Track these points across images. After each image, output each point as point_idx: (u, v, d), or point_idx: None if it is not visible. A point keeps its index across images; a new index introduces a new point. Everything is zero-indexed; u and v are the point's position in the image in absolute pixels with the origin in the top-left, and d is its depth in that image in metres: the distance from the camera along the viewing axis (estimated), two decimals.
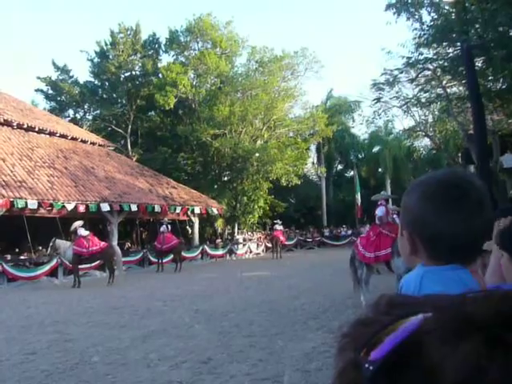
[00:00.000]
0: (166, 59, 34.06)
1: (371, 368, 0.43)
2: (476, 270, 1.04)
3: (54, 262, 16.13)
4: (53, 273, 16.28)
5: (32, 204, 15.88)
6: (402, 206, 1.08)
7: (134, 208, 19.65)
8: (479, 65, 12.14)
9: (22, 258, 17.33)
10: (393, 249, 8.19)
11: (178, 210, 22.52)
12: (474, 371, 0.38)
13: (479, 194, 1.00)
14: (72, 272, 15.21)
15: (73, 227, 15.47)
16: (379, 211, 9.25)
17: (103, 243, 15.62)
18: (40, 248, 18.97)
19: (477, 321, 0.40)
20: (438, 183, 1.03)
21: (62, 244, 15.38)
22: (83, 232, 15.24)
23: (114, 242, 18.96)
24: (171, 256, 19.69)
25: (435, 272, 1.01)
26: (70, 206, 17.15)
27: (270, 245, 26.51)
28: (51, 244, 15.53)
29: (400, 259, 8.17)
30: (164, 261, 19.41)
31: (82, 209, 17.53)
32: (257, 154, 28.11)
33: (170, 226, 20.17)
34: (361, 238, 9.77)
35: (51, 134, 23.03)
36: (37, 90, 34.54)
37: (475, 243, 1.02)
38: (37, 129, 22.21)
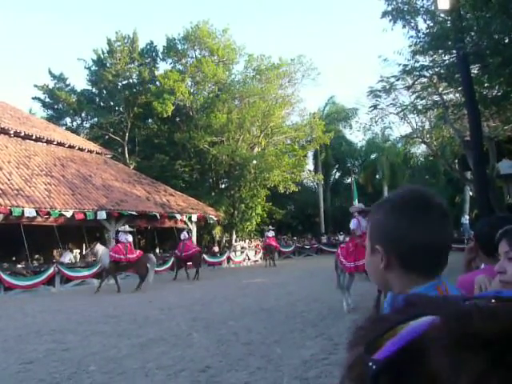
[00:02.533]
0: (163, 67, 34.15)
1: (374, 367, 0.44)
2: (446, 289, 1.03)
3: (51, 271, 16.10)
4: (50, 281, 16.22)
5: (29, 212, 15.85)
6: (370, 225, 1.10)
7: (133, 214, 19.70)
8: (475, 72, 12.21)
9: (19, 266, 17.24)
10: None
11: (178, 217, 22.52)
12: None
13: (441, 205, 1.04)
14: (104, 276, 15.46)
15: (120, 228, 16.01)
16: (352, 224, 9.80)
17: (139, 251, 15.97)
18: (37, 256, 18.92)
19: (482, 337, 0.40)
20: (403, 198, 1.06)
21: (101, 249, 15.61)
22: (123, 237, 15.58)
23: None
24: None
25: None
26: (67, 214, 17.12)
27: (264, 251, 26.19)
28: (91, 247, 15.95)
29: None
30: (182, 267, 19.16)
31: (79, 217, 17.51)
32: (254, 162, 28.13)
33: (190, 234, 20.07)
34: (341, 247, 10.12)
35: (48, 142, 23.02)
36: (34, 99, 34.61)
37: (443, 255, 1.04)
38: (34, 137, 22.19)
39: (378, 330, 0.46)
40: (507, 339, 0.39)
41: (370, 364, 0.44)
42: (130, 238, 15.80)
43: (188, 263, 19.17)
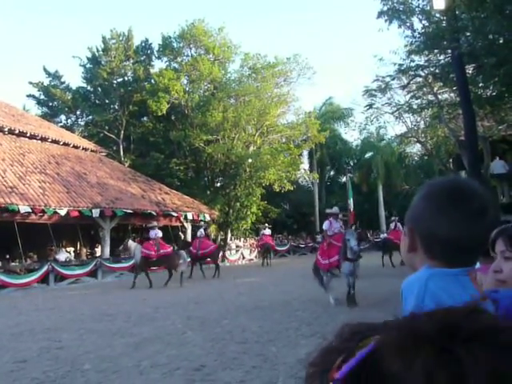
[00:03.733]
0: (158, 65, 34.26)
1: None
2: (475, 277, 1.04)
3: (45, 269, 16.03)
4: (44, 279, 16.16)
5: (23, 210, 15.77)
6: (410, 205, 1.12)
7: (128, 212, 19.71)
8: (470, 72, 12.26)
9: (12, 264, 17.17)
10: (339, 255, 9.83)
11: (174, 215, 22.51)
12: (427, 379, 0.41)
13: (481, 201, 1.00)
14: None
15: (150, 225, 16.52)
16: (324, 225, 10.83)
17: (170, 248, 16.16)
18: (31, 254, 18.84)
19: (424, 335, 0.44)
20: (441, 185, 1.07)
21: (134, 246, 16.00)
22: (153, 233, 15.84)
23: (107, 249, 19.05)
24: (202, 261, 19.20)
25: (440, 277, 1.01)
26: (61, 212, 17.05)
27: (260, 249, 25.98)
28: (124, 243, 16.49)
29: (346, 263, 9.66)
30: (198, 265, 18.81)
31: (73, 215, 17.45)
32: (249, 160, 28.11)
33: (206, 231, 20.02)
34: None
35: (43, 139, 22.91)
36: (28, 96, 34.45)
37: (470, 248, 1.01)
38: (28, 134, 22.07)
39: (334, 359, 0.49)
40: (447, 333, 0.43)
41: None
42: (159, 233, 16.00)
43: (207, 260, 18.95)
